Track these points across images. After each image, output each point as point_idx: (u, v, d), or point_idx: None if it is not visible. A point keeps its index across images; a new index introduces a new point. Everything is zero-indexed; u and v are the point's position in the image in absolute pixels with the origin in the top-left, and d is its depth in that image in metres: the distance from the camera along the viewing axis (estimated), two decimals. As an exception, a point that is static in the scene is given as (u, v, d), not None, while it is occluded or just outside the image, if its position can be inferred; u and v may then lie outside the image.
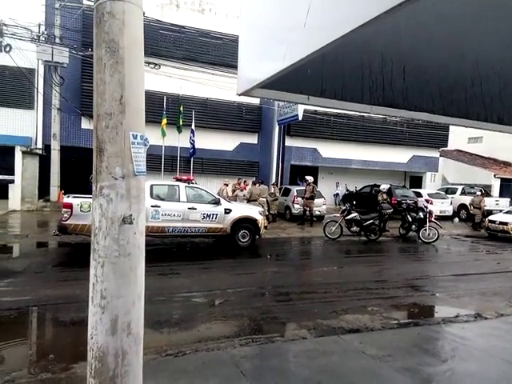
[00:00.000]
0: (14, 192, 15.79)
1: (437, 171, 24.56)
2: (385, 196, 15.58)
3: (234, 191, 15.06)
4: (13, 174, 16.18)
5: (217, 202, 10.34)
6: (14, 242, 10.27)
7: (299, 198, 15.95)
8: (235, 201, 13.20)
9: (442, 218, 17.04)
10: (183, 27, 17.58)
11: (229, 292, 6.70)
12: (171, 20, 17.25)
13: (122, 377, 1.98)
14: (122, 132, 1.93)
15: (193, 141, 17.37)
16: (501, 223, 14.61)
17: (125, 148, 1.94)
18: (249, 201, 13.70)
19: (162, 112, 16.69)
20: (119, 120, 1.92)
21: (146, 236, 2.17)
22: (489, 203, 18.00)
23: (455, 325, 5.49)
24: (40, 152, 16.43)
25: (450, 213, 19.29)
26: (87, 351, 1.98)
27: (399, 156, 22.81)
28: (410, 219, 13.68)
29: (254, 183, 14.70)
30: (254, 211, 11.00)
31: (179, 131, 17.16)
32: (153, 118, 15.82)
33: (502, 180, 24.64)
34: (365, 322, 5.50)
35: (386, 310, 6.11)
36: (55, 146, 16.29)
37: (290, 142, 20.17)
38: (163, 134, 16.67)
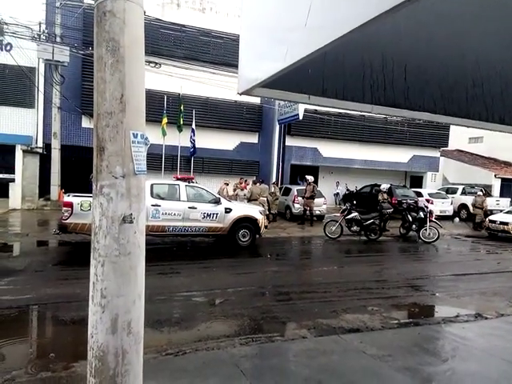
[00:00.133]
0: (15, 191, 15.80)
1: (437, 171, 24.55)
2: (385, 196, 15.57)
3: (234, 190, 15.07)
4: (13, 172, 16.19)
5: (217, 202, 10.34)
6: (14, 240, 10.28)
7: (299, 198, 15.95)
8: (235, 200, 13.20)
9: (442, 218, 17.03)
10: (184, 26, 17.57)
11: (229, 291, 6.71)
12: (172, 19, 17.23)
13: (122, 376, 1.98)
14: (122, 131, 1.93)
15: (193, 140, 17.37)
16: (501, 223, 14.61)
17: (125, 147, 1.94)
18: (249, 200, 13.69)
19: (162, 111, 16.69)
20: (120, 119, 1.92)
21: (147, 235, 2.17)
22: (489, 203, 17.97)
23: (455, 324, 5.49)
24: (40, 151, 16.43)
25: (451, 213, 19.27)
26: (87, 350, 1.98)
27: (400, 156, 22.79)
28: (410, 219, 13.67)
29: (254, 182, 14.69)
30: (255, 211, 11.00)
31: (180, 130, 17.16)
32: (153, 117, 15.83)
33: (503, 180, 24.62)
34: (365, 322, 5.49)
35: (386, 310, 6.11)
36: (56, 145, 16.29)
37: (290, 142, 20.18)
38: (164, 133, 16.66)
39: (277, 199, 15.75)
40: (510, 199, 20.91)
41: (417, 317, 5.96)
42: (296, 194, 16.27)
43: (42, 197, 16.58)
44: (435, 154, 23.89)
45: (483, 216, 16.29)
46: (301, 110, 16.75)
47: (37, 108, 16.35)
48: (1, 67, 15.58)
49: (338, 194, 22.72)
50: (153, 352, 4.14)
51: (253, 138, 20.13)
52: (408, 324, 5.56)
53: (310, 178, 15.60)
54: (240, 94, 2.12)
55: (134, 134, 1.97)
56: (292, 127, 19.82)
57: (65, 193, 12.90)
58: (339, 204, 21.57)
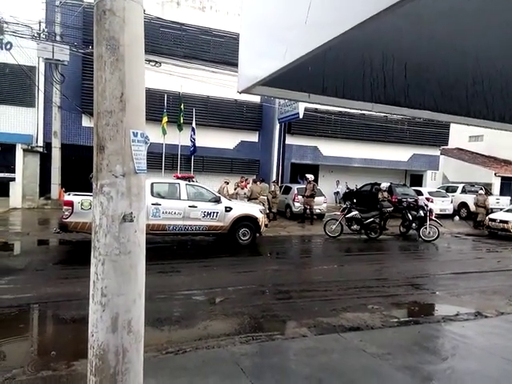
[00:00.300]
0: (15, 190, 15.81)
1: (437, 169, 24.53)
2: (385, 194, 15.58)
3: (235, 189, 15.07)
4: (14, 171, 16.18)
5: (217, 200, 10.34)
6: (14, 239, 10.29)
7: (300, 197, 15.95)
8: (236, 199, 13.20)
9: (442, 217, 17.00)
10: (184, 25, 17.53)
11: (229, 290, 6.71)
12: (172, 17, 17.19)
13: (122, 374, 1.98)
14: (122, 130, 1.93)
15: (193, 139, 17.36)
16: (501, 221, 14.60)
17: (125, 146, 1.94)
18: (249, 199, 13.69)
19: (162, 110, 16.68)
20: (119, 118, 1.92)
21: (147, 234, 2.17)
22: (489, 201, 17.97)
23: (455, 323, 5.49)
24: (41, 150, 16.42)
25: (451, 211, 19.27)
26: (88, 349, 1.99)
27: (400, 154, 22.78)
28: (410, 217, 13.67)
29: (254, 181, 14.69)
30: (255, 209, 11.00)
31: (180, 129, 17.15)
32: (153, 116, 15.82)
33: (503, 178, 24.62)
34: (365, 320, 5.50)
35: (386, 308, 6.11)
36: (56, 144, 16.29)
37: (290, 140, 20.16)
38: (164, 132, 16.66)
39: (275, 197, 15.71)
40: (510, 198, 20.90)
41: (417, 315, 5.97)
42: (296, 192, 16.27)
43: (42, 196, 16.58)
44: (435, 152, 23.87)
45: (485, 215, 16.27)
46: (301, 108, 16.74)
47: (37, 107, 16.33)
48: (1, 66, 15.55)
49: (338, 192, 22.72)
50: (153, 350, 4.14)
51: (253, 137, 20.11)
52: (408, 322, 5.56)
53: (310, 177, 15.60)
54: (240, 93, 2.12)
55: (134, 132, 1.97)
56: (292, 126, 19.81)
57: (65, 192, 12.89)
58: (339, 203, 21.56)
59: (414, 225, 13.61)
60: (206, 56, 17.68)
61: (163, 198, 9.91)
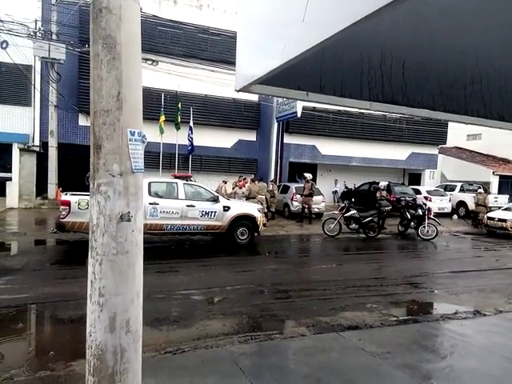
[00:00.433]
0: (12, 189, 15.75)
1: (436, 168, 24.57)
2: (384, 193, 15.59)
3: (233, 188, 15.05)
4: (10, 171, 16.14)
5: (215, 200, 10.33)
6: (11, 239, 10.25)
7: (298, 196, 15.95)
8: (234, 198, 13.19)
9: (440, 215, 17.05)
10: (181, 23, 17.48)
11: (228, 289, 6.70)
12: (169, 16, 17.14)
13: (121, 374, 1.98)
14: (119, 129, 1.92)
15: (191, 138, 17.32)
16: (500, 220, 14.63)
17: (122, 145, 1.93)
18: (248, 198, 13.68)
19: (160, 109, 16.62)
20: (116, 117, 1.91)
21: (145, 233, 2.16)
22: (489, 200, 18.00)
23: (454, 321, 5.50)
24: (37, 149, 16.37)
25: (449, 210, 19.31)
26: (86, 349, 1.98)
27: (398, 153, 22.79)
28: (408, 216, 13.68)
29: (252, 180, 14.68)
30: (253, 209, 10.99)
31: (177, 128, 17.10)
32: (151, 115, 15.78)
33: (501, 177, 24.68)
34: (364, 319, 5.50)
35: (385, 307, 6.12)
36: (52, 144, 16.21)
37: (288, 139, 20.16)
38: (161, 131, 16.62)
39: (273, 197, 15.70)
40: (508, 196, 20.96)
41: (415, 314, 5.97)
42: (294, 191, 16.26)
43: (39, 195, 16.52)
44: (433, 151, 23.90)
45: (486, 213, 16.27)
46: (299, 107, 16.73)
47: (33, 106, 16.28)
48: (-3, 65, 15.52)
49: (336, 191, 22.72)
50: (152, 350, 4.13)
51: (251, 136, 20.10)
52: (407, 321, 5.56)
53: (309, 176, 15.59)
54: (237, 91, 2.11)
55: (131, 131, 1.96)
56: (290, 125, 19.79)
57: (62, 191, 12.87)
58: (338, 202, 21.58)
59: (412, 224, 13.63)
60: (203, 54, 17.64)
61: (161, 197, 9.89)
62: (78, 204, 8.75)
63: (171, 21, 17.12)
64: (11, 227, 11.97)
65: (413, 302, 6.54)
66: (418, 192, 19.06)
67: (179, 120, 17.02)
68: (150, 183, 9.80)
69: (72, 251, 9.44)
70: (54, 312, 5.50)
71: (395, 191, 18.07)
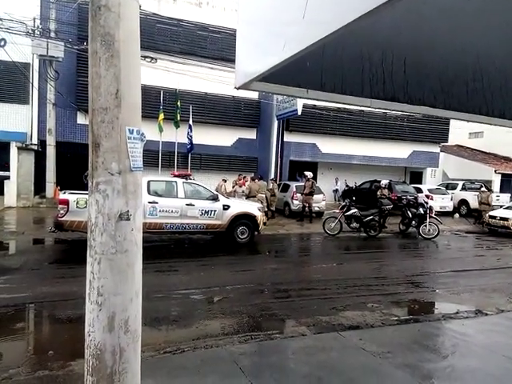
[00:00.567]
0: (10, 188, 15.73)
1: (437, 167, 24.51)
2: (385, 192, 15.56)
3: (233, 187, 15.03)
4: (8, 170, 16.09)
5: (215, 199, 10.31)
6: (10, 238, 10.24)
7: (298, 194, 15.92)
8: (234, 197, 13.17)
9: (442, 214, 17.03)
10: (180, 21, 17.44)
11: (227, 289, 6.68)
12: (168, 13, 17.10)
13: (119, 374, 1.97)
14: (117, 127, 1.90)
15: (190, 136, 17.30)
16: (501, 219, 14.59)
17: (121, 143, 1.92)
18: (248, 197, 13.66)
19: (159, 107, 16.60)
20: (115, 114, 1.90)
21: (144, 233, 2.15)
22: (492, 198, 17.98)
23: (455, 321, 5.49)
24: (35, 148, 16.32)
25: (451, 208, 19.29)
26: (84, 348, 1.97)
27: (399, 151, 22.75)
28: (410, 215, 13.66)
29: (252, 179, 14.66)
30: (253, 207, 10.97)
31: (177, 126, 17.08)
32: (150, 113, 15.74)
33: (503, 175, 24.63)
34: (364, 319, 5.49)
35: (385, 307, 6.10)
36: (51, 142, 16.18)
37: (288, 138, 20.11)
38: (160, 130, 16.60)
39: (273, 195, 15.68)
40: (510, 195, 20.94)
41: (417, 313, 5.96)
42: (295, 190, 16.23)
43: (37, 194, 16.49)
44: (435, 149, 23.85)
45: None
46: (299, 105, 16.68)
47: (31, 104, 16.24)
48: (-5, 63, 15.48)
49: (337, 190, 22.70)
50: (151, 350, 4.12)
51: (251, 134, 20.07)
52: (408, 321, 5.55)
53: (309, 174, 15.55)
54: (237, 89, 2.09)
55: (129, 129, 1.94)
56: (290, 123, 19.75)
57: (60, 190, 12.85)
58: (338, 200, 21.56)
59: (413, 222, 13.60)
60: (202, 52, 17.59)
61: (160, 196, 9.87)
62: (77, 203, 8.73)
63: (170, 18, 17.09)
64: (9, 226, 11.95)
65: (414, 302, 6.52)
66: (419, 190, 19.03)
67: (178, 118, 17.00)
68: (149, 182, 9.78)
69: (70, 250, 9.43)
70: (53, 311, 5.48)
71: (396, 190, 18.04)
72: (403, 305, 6.42)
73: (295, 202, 16.08)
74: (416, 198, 15.81)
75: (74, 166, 15.86)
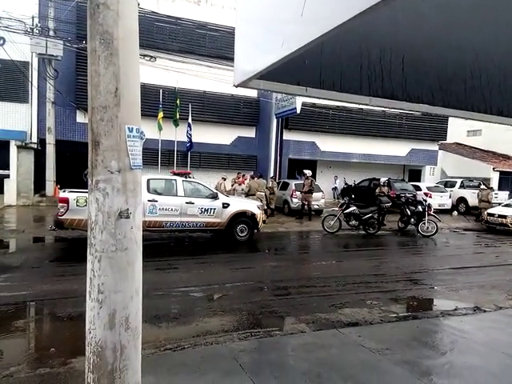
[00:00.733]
0: (10, 187, 15.74)
1: (436, 164, 24.55)
2: (385, 189, 15.56)
3: (232, 185, 15.02)
4: (8, 168, 16.09)
5: (214, 197, 10.32)
6: (10, 237, 10.24)
7: (298, 192, 15.92)
8: (233, 195, 13.18)
9: (440, 212, 17.06)
10: (179, 19, 17.42)
11: (227, 286, 6.70)
12: (167, 12, 17.08)
13: (120, 371, 1.98)
14: (117, 125, 1.91)
15: (190, 134, 17.30)
16: (500, 216, 14.62)
17: (120, 141, 1.93)
18: (247, 195, 13.67)
19: (158, 105, 16.59)
20: (114, 113, 1.90)
21: (144, 231, 2.16)
22: (492, 196, 18.00)
23: (454, 318, 5.51)
24: (35, 146, 16.32)
25: (449, 206, 19.32)
26: (85, 346, 1.98)
27: (398, 149, 22.77)
28: (408, 213, 13.67)
29: (252, 177, 14.67)
30: (253, 205, 10.98)
31: (176, 125, 17.08)
32: (149, 111, 15.74)
33: (501, 173, 24.66)
34: (363, 316, 5.50)
35: (384, 304, 6.12)
36: (50, 141, 16.18)
37: (288, 136, 20.11)
38: (160, 128, 16.59)
39: (273, 193, 15.68)
40: (508, 192, 20.96)
41: (415, 310, 5.98)
42: (294, 188, 16.23)
43: (37, 193, 16.49)
44: (434, 147, 23.88)
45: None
46: (298, 103, 16.68)
47: (31, 103, 16.21)
48: (-6, 62, 15.45)
49: (336, 188, 22.72)
50: (151, 347, 4.14)
51: (250, 133, 20.07)
52: (407, 317, 5.57)
53: (308, 173, 15.56)
54: (236, 86, 2.10)
55: (129, 128, 1.95)
56: (289, 121, 19.74)
57: (60, 188, 12.84)
58: (337, 198, 21.59)
59: (412, 220, 13.62)
60: (201, 50, 17.58)
61: (160, 194, 9.87)
62: (77, 201, 8.74)
63: (169, 16, 17.07)
64: (9, 224, 11.96)
65: (413, 299, 6.55)
66: (418, 188, 19.06)
67: (178, 116, 17.00)
68: (148, 180, 9.78)
69: (70, 248, 9.44)
70: (53, 309, 5.49)
71: (395, 187, 18.07)
72: (402, 302, 6.44)
73: (294, 200, 16.09)
74: (415, 196, 15.83)
75: (74, 164, 15.89)
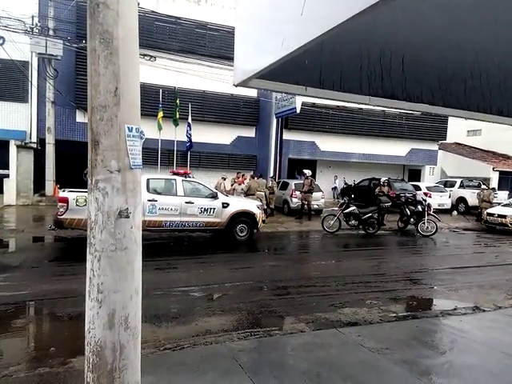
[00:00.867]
0: (9, 186, 15.74)
1: (435, 164, 24.56)
2: (386, 189, 15.56)
3: (232, 185, 15.03)
4: (7, 168, 16.10)
5: (214, 196, 10.32)
6: (9, 236, 10.24)
7: (297, 192, 15.92)
8: (233, 195, 13.18)
9: (440, 211, 17.06)
10: (179, 18, 17.42)
11: (227, 286, 6.70)
12: (167, 11, 17.08)
13: (120, 371, 1.98)
14: (117, 125, 1.91)
15: (189, 134, 17.29)
16: (499, 216, 14.63)
17: (120, 141, 1.92)
18: (247, 195, 13.67)
19: (158, 105, 16.59)
20: (114, 112, 1.90)
21: (143, 230, 2.16)
22: (493, 196, 18.00)
23: (453, 317, 5.51)
24: (35, 146, 16.32)
25: (449, 206, 19.33)
26: (85, 345, 1.97)
27: (398, 149, 22.78)
28: (408, 212, 13.68)
29: (252, 177, 14.67)
30: (252, 205, 10.98)
31: (176, 124, 17.08)
32: (149, 111, 15.74)
33: (501, 173, 24.68)
34: (363, 315, 5.51)
35: (384, 303, 6.12)
36: (50, 140, 16.17)
37: (287, 136, 20.11)
38: (159, 128, 16.58)
39: (272, 193, 15.68)
40: (508, 192, 20.96)
41: (415, 310, 5.98)
42: (294, 188, 16.24)
43: (36, 192, 16.50)
44: (433, 147, 23.89)
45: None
46: (298, 103, 16.68)
47: (30, 103, 16.21)
48: (-6, 61, 15.44)
49: (336, 187, 22.73)
50: (151, 347, 4.14)
51: (250, 132, 20.07)
52: (406, 317, 5.57)
53: (308, 172, 15.56)
54: (236, 86, 2.10)
55: (128, 127, 1.95)
56: (289, 121, 19.75)
57: (60, 188, 12.84)
58: (337, 198, 21.60)
59: (412, 220, 13.63)
60: (201, 50, 17.58)
61: (159, 194, 9.87)
62: (76, 201, 8.74)
63: (169, 16, 17.07)
64: (9, 224, 11.95)
65: (412, 298, 6.55)
66: (417, 188, 19.07)
67: (177, 116, 16.99)
68: (148, 180, 9.78)
69: (70, 248, 9.43)
70: (53, 309, 5.49)
71: (395, 187, 18.06)
72: (401, 301, 6.44)
73: (294, 199, 16.10)
74: (414, 196, 15.83)
75: (74, 164, 15.88)
